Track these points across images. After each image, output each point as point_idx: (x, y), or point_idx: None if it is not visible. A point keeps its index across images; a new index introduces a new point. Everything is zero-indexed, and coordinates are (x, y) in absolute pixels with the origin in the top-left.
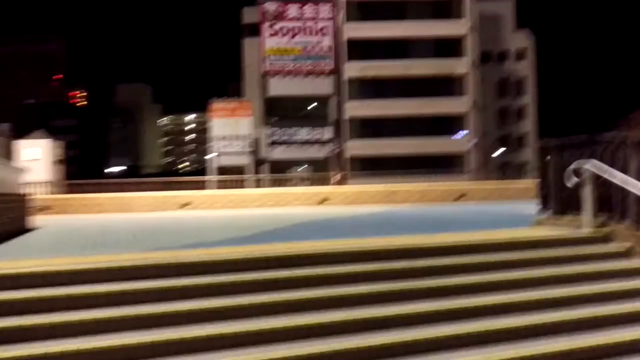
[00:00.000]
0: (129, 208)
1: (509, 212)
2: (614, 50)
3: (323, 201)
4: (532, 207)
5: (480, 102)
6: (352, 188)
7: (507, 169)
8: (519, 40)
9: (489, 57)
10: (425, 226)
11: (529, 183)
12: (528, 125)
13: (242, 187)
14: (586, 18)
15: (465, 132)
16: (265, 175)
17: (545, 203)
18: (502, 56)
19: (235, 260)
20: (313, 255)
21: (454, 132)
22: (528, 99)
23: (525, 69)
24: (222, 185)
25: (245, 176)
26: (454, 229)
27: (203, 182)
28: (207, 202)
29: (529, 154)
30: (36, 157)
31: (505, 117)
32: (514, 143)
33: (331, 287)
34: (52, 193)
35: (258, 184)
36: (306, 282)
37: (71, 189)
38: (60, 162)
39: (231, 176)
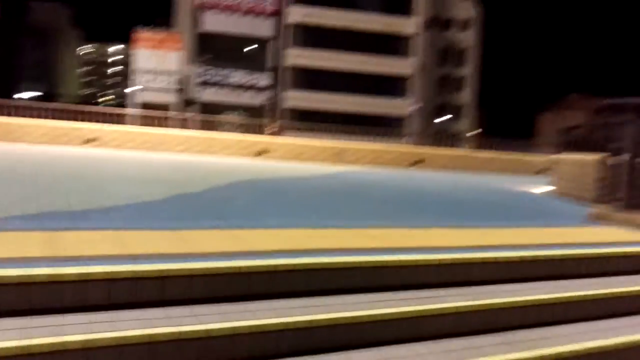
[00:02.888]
0: (17, 138)
1: (509, 189)
2: (559, 28)
3: (261, 153)
4: (526, 182)
5: (424, 66)
6: (296, 141)
7: (443, 137)
8: (466, 9)
9: (435, 23)
10: (432, 209)
11: (492, 154)
12: (467, 96)
13: (165, 126)
14: None
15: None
16: (193, 114)
17: (609, 192)
18: (448, 23)
19: None
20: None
21: (396, 93)
22: (468, 70)
23: (469, 39)
24: (142, 122)
25: (169, 113)
26: (476, 219)
27: (119, 116)
28: (119, 139)
29: (465, 124)
30: None
31: (445, 85)
32: (452, 112)
33: None
34: None
35: (184, 124)
36: None
37: None
38: None
39: (153, 112)
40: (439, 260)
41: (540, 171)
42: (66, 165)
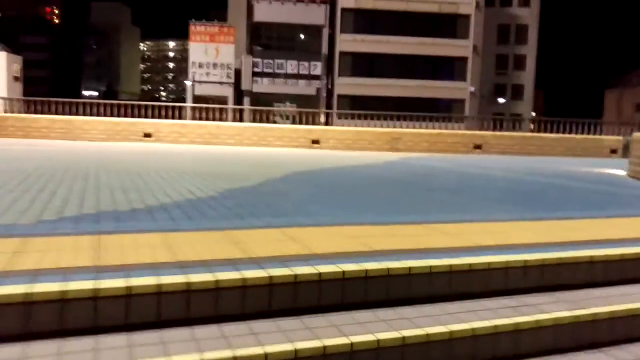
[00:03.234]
0: (78, 135)
1: (586, 173)
2: (619, 7)
3: (315, 142)
4: (602, 165)
5: (483, 46)
6: (349, 129)
7: (504, 120)
8: None
9: (492, 0)
10: (507, 199)
11: (558, 135)
12: (527, 75)
13: (219, 119)
14: None
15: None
16: (246, 106)
17: None
18: (506, 0)
19: None
20: None
21: (454, 76)
22: (528, 48)
23: (527, 16)
24: (197, 115)
25: (222, 106)
26: (556, 209)
27: (175, 109)
28: (174, 133)
29: (525, 105)
30: None
31: (504, 65)
32: (512, 93)
33: None
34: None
35: (237, 115)
36: None
37: (27, 108)
38: (16, 79)
39: (207, 105)
40: (525, 261)
41: (614, 151)
42: (121, 160)
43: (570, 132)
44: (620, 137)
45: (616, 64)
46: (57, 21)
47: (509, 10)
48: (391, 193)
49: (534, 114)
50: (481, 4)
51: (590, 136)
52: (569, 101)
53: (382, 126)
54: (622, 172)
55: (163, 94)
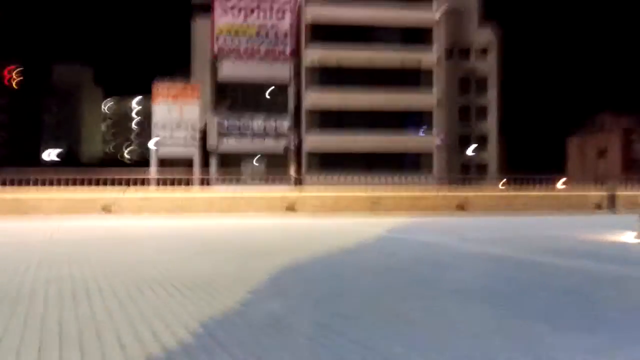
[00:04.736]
0: (33, 210)
1: (611, 247)
2: (582, 48)
3: (289, 209)
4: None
5: (446, 98)
6: (326, 194)
7: (469, 170)
8: (483, 38)
9: (451, 52)
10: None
11: (541, 195)
12: (489, 125)
13: (186, 184)
14: (555, 14)
15: (423, 128)
16: (211, 175)
17: None
18: (466, 51)
19: None
20: None
21: (418, 128)
22: (489, 98)
23: (487, 67)
24: (161, 183)
25: (187, 176)
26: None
27: (137, 180)
28: (137, 206)
29: (490, 154)
30: None
31: (468, 115)
32: (476, 142)
33: None
34: None
35: (205, 182)
36: None
37: None
38: None
39: (172, 176)
40: None
41: (599, 206)
42: (54, 260)
43: (541, 184)
44: (603, 193)
45: (577, 112)
46: (16, 83)
47: (469, 62)
48: (424, 308)
49: (502, 163)
50: (442, 56)
51: (575, 193)
52: (532, 148)
53: (357, 184)
54: (630, 234)
55: (127, 155)
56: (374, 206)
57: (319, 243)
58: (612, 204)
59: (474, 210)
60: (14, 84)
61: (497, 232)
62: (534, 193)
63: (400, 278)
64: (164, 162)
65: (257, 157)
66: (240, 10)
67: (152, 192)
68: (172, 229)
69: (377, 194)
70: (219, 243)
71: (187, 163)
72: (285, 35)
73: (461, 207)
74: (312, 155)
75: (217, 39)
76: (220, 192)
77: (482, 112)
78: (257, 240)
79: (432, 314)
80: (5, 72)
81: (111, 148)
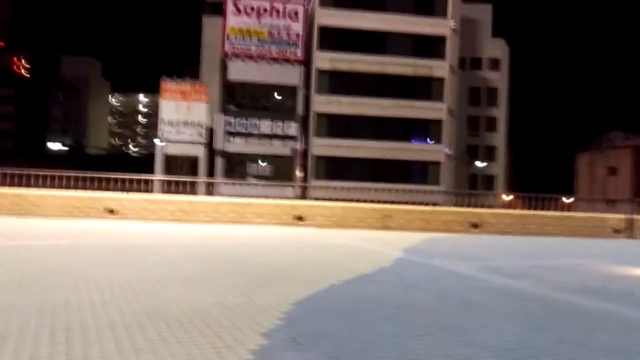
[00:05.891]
0: (32, 212)
1: None
2: (591, 64)
3: (298, 219)
4: None
5: (456, 108)
6: (336, 204)
7: (476, 181)
8: (494, 49)
9: (463, 63)
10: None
11: (557, 215)
12: (498, 137)
13: (191, 188)
14: (564, 30)
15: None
16: (219, 179)
17: None
18: (477, 63)
19: None
20: None
21: (429, 138)
22: (499, 110)
23: (498, 79)
24: (165, 189)
25: (194, 179)
26: None
27: (141, 181)
28: (142, 209)
29: (497, 168)
30: None
31: (475, 126)
32: (483, 154)
33: None
34: None
35: (210, 188)
36: None
37: None
38: None
39: (177, 177)
40: None
41: (617, 231)
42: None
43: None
44: (623, 216)
45: (587, 128)
46: (25, 73)
47: (480, 73)
48: None
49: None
50: (455, 67)
51: (592, 214)
52: (540, 163)
53: (359, 188)
54: None
55: (133, 149)
56: (385, 220)
57: (330, 258)
58: (630, 229)
59: (488, 229)
60: (23, 72)
61: (520, 259)
62: (550, 213)
63: (427, 323)
64: (169, 159)
65: (263, 158)
66: (252, 10)
67: (157, 196)
68: (176, 235)
69: (387, 206)
70: (224, 253)
71: (193, 161)
72: (297, 37)
73: (476, 225)
74: (318, 159)
75: (227, 39)
76: (226, 199)
77: (492, 123)
78: (265, 254)
79: None
80: (15, 59)
81: (117, 140)
